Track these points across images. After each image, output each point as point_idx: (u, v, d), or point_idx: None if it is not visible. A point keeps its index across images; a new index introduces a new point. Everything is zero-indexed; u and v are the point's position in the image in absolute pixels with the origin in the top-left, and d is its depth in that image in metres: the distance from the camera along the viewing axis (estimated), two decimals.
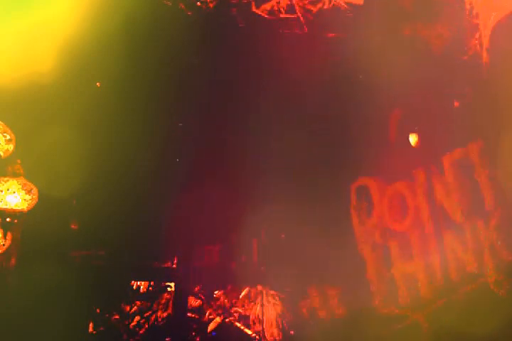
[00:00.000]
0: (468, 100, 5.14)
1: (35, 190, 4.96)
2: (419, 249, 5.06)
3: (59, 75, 5.63)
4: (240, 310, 6.22)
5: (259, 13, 5.81)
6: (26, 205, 4.91)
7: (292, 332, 6.16)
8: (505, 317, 4.32)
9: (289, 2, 5.85)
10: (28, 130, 5.57)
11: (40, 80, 5.55)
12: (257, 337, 6.12)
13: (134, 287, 5.90)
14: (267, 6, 5.81)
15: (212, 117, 6.13)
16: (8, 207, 4.81)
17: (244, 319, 6.23)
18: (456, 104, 5.34)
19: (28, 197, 4.90)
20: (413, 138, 5.48)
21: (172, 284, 6.05)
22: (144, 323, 5.78)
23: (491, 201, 4.51)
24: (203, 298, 6.14)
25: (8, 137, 4.89)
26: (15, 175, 4.90)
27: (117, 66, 5.93)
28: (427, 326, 4.96)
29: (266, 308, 6.17)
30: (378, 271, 5.32)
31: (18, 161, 4.95)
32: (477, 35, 5.33)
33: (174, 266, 6.04)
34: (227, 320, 6.18)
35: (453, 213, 4.79)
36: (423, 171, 5.05)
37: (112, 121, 6.02)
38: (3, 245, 4.79)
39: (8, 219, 4.83)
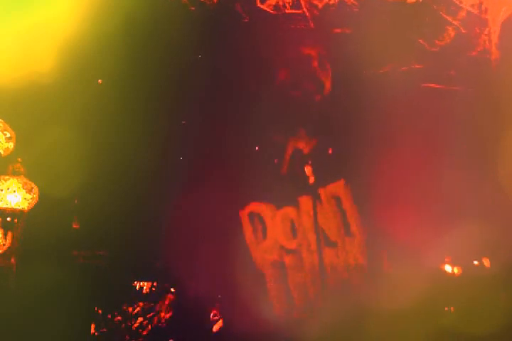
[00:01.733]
0: (470, 97, 5.12)
1: (35, 189, 4.91)
2: (308, 262, 5.99)
3: (59, 75, 5.62)
4: (242, 312, 6.10)
5: (264, 8, 5.74)
6: (27, 204, 4.85)
7: None
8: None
9: None
10: (29, 130, 5.55)
11: (40, 80, 5.54)
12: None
13: (137, 288, 5.81)
14: (272, 1, 5.75)
15: (214, 116, 6.07)
16: (8, 206, 4.76)
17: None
18: (330, 150, 6.04)
19: (28, 196, 4.85)
20: (307, 170, 6.22)
21: (175, 285, 5.96)
22: (146, 324, 5.68)
23: (354, 226, 5.71)
24: (206, 298, 6.03)
25: (8, 135, 4.85)
26: (15, 173, 4.86)
27: (117, 65, 5.92)
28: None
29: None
30: (277, 283, 6.09)
31: (19, 160, 4.90)
32: (486, 31, 5.28)
33: (177, 266, 5.93)
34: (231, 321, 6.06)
35: (330, 233, 5.86)
36: (308, 199, 5.95)
37: (112, 121, 5.98)
38: (4, 245, 4.73)
39: (8, 219, 4.78)
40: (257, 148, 6.16)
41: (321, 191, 5.92)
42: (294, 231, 6.08)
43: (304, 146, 6.14)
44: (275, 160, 6.17)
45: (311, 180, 6.08)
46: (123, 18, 5.76)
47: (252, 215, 6.22)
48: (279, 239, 6.13)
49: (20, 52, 5.53)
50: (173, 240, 5.80)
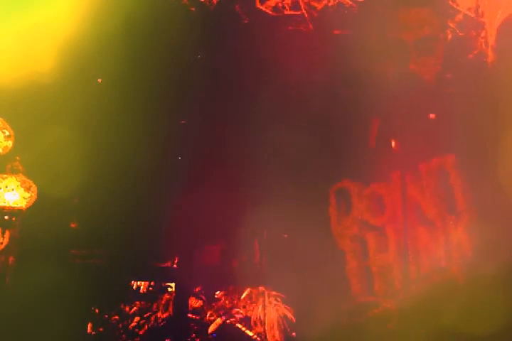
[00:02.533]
0: (468, 100, 5.16)
1: (34, 188, 4.93)
2: (395, 242, 5.38)
3: (59, 75, 5.62)
4: (241, 312, 6.16)
5: (264, 9, 5.77)
6: (25, 203, 4.87)
7: (294, 334, 6.09)
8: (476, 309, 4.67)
9: None
10: (28, 129, 5.56)
11: (40, 80, 5.54)
12: (258, 338, 6.06)
13: (134, 287, 5.84)
14: (272, 3, 5.77)
15: (214, 116, 6.09)
16: (6, 204, 4.78)
17: (245, 320, 6.16)
18: (432, 116, 5.51)
19: (27, 194, 4.87)
20: (394, 144, 5.69)
21: (172, 284, 5.99)
22: (143, 324, 5.71)
23: (463, 203, 5.01)
24: (203, 298, 6.08)
25: (7, 133, 4.87)
26: (14, 172, 4.88)
27: (117, 65, 5.93)
28: (396, 313, 5.26)
29: (268, 310, 6.11)
30: (357, 261, 5.56)
31: (17, 158, 4.93)
32: (483, 34, 5.32)
33: (175, 266, 5.98)
34: (228, 321, 6.11)
35: (427, 210, 5.19)
36: (400, 174, 5.38)
37: (112, 121, 6.00)
38: (1, 243, 4.75)
39: (6, 217, 4.80)
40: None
41: (422, 165, 5.32)
42: (381, 209, 5.55)
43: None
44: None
45: (406, 153, 5.46)
46: (123, 18, 5.78)
47: (340, 191, 5.76)
48: (363, 215, 5.62)
49: (20, 52, 5.55)
50: (174, 240, 5.85)
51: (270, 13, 5.72)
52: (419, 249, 5.20)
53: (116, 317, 5.58)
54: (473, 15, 5.31)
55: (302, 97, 5.69)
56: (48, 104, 5.89)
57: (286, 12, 5.74)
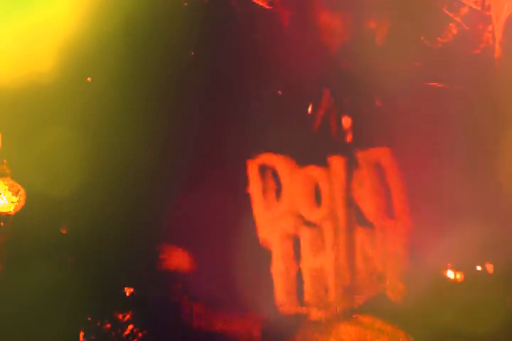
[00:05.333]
0: (472, 95, 4.93)
1: (22, 192, 4.91)
2: (332, 242, 4.71)
3: (59, 75, 5.63)
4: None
5: (260, 3, 5.63)
6: (13, 207, 4.85)
7: None
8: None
9: None
10: (28, 130, 5.57)
11: (40, 80, 5.55)
12: None
13: (128, 294, 5.75)
14: None
15: (213, 116, 6.02)
16: None
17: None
18: (378, 103, 5.04)
19: (14, 198, 4.85)
20: (345, 121, 5.06)
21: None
22: (137, 332, 5.62)
23: (399, 207, 4.50)
24: (202, 304, 5.95)
25: None
26: (1, 175, 4.86)
27: (117, 65, 5.92)
28: (329, 326, 4.74)
29: None
30: (286, 264, 4.82)
31: (4, 161, 4.91)
32: (490, 28, 5.09)
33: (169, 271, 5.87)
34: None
35: (366, 211, 4.68)
36: (341, 160, 4.74)
37: (112, 121, 5.99)
38: None
39: None
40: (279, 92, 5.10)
41: (359, 154, 4.86)
42: (317, 199, 4.89)
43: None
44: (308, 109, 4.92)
45: (349, 137, 4.96)
46: (123, 17, 5.76)
47: (263, 168, 5.01)
48: (296, 205, 4.91)
49: (20, 52, 5.58)
50: (171, 243, 5.76)
51: (267, 7, 5.58)
52: (357, 252, 4.68)
53: (109, 325, 5.50)
54: (479, 8, 5.06)
55: (302, 94, 5.54)
56: (48, 104, 5.90)
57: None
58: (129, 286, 5.60)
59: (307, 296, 4.71)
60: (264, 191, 4.94)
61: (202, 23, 5.74)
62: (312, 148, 4.83)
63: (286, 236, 4.82)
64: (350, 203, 4.71)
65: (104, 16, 5.69)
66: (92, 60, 5.92)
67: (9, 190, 4.76)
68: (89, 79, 5.82)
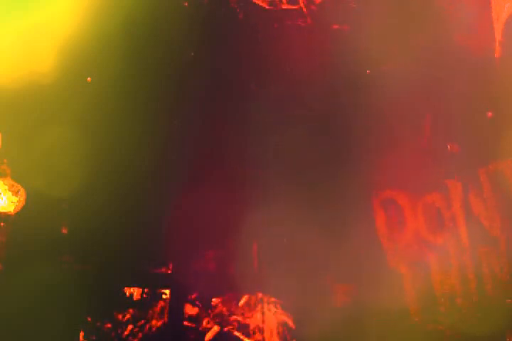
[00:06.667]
0: (472, 95, 4.88)
1: (22, 192, 4.87)
2: (457, 261, 4.89)
3: (59, 75, 5.61)
4: (239, 319, 6.01)
5: (260, 3, 5.61)
6: (13, 207, 4.81)
7: None
8: None
9: None
10: (28, 130, 5.56)
11: (40, 80, 5.53)
12: None
13: (127, 294, 5.72)
14: None
15: (212, 116, 6.00)
16: None
17: (243, 328, 6.02)
18: (489, 114, 4.97)
19: (15, 198, 4.81)
20: (451, 147, 5.15)
21: (167, 291, 5.85)
22: (137, 332, 5.59)
23: None
24: (200, 305, 5.94)
25: None
26: (1, 175, 4.83)
27: (117, 65, 5.89)
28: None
29: (267, 317, 5.94)
30: (416, 285, 5.14)
31: (4, 161, 4.88)
32: (490, 28, 5.04)
33: (170, 271, 5.85)
34: (225, 328, 5.97)
35: (490, 226, 4.64)
36: (458, 182, 4.86)
37: (112, 121, 5.97)
38: None
39: None
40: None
41: (481, 172, 4.71)
42: (440, 223, 5.04)
43: None
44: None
45: (463, 157, 4.95)
46: (123, 17, 5.73)
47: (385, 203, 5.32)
48: (420, 232, 5.14)
49: (20, 52, 5.56)
50: (169, 244, 5.74)
51: (267, 7, 5.55)
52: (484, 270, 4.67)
53: (109, 325, 5.48)
54: (477, 8, 5.02)
55: (302, 95, 5.53)
56: (48, 104, 5.88)
57: (283, 6, 5.57)
58: (129, 286, 5.59)
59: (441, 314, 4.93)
60: (388, 223, 5.27)
61: (202, 23, 5.72)
62: (427, 177, 4.98)
63: (415, 262, 5.11)
64: (473, 222, 4.75)
65: (104, 16, 5.66)
66: (92, 60, 5.90)
67: (9, 190, 4.73)
68: (89, 79, 5.81)
